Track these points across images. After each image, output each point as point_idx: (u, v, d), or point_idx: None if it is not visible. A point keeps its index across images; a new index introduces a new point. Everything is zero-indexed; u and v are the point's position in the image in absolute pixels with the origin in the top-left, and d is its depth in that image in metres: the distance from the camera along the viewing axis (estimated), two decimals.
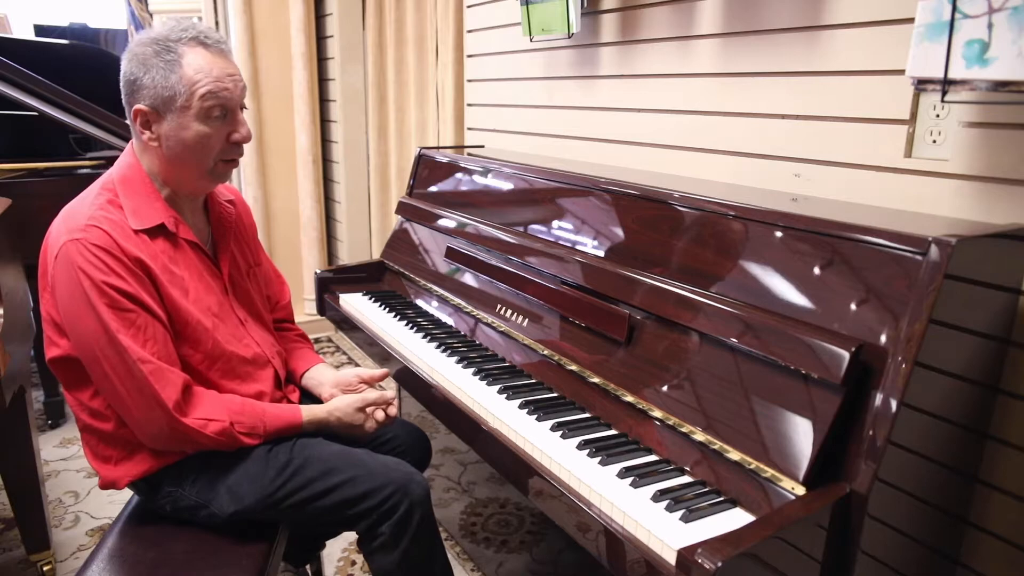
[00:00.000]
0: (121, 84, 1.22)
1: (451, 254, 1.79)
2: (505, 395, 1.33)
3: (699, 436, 1.07)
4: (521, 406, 1.29)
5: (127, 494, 1.38)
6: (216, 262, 1.37)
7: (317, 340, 3.97)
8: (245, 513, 1.27)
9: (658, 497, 0.99)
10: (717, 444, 1.04)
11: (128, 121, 1.26)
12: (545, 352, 1.41)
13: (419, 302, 1.87)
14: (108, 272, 1.15)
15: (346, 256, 3.95)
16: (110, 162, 2.83)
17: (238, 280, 1.42)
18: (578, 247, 1.48)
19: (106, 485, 1.29)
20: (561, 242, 1.53)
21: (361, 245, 3.92)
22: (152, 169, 1.27)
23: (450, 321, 1.73)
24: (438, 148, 2.21)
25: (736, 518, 0.96)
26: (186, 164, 1.25)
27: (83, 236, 1.15)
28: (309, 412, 1.35)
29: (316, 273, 2.03)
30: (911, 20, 1.09)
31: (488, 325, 1.60)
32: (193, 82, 1.19)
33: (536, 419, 1.24)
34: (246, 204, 1.54)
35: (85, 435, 1.31)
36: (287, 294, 1.64)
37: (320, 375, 1.52)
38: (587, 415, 1.26)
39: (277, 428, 1.30)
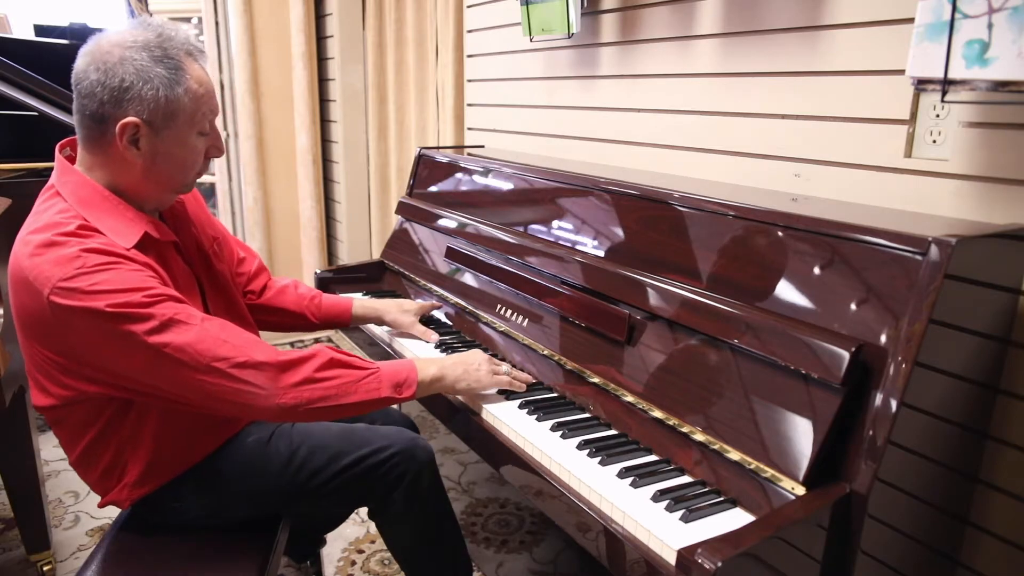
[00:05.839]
0: (95, 92, 1.08)
1: (451, 254, 1.79)
2: (505, 395, 1.33)
3: (699, 436, 1.07)
4: (521, 406, 1.29)
5: None
6: (186, 258, 1.29)
7: (317, 340, 3.97)
8: (258, 511, 1.28)
9: (658, 497, 0.99)
10: (717, 444, 1.04)
11: (82, 131, 1.12)
12: (545, 352, 1.41)
13: (425, 302, 1.87)
14: (121, 293, 1.03)
15: (346, 256, 3.95)
16: None
17: (211, 271, 1.35)
18: (578, 247, 1.48)
19: (106, 504, 1.26)
20: (561, 242, 1.52)
21: (361, 245, 3.92)
22: (113, 184, 1.15)
23: (450, 321, 1.73)
24: (438, 148, 2.21)
25: (736, 518, 0.96)
26: (169, 179, 1.17)
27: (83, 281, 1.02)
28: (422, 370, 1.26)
29: (316, 273, 2.03)
30: (911, 20, 1.08)
31: (488, 325, 1.60)
32: (198, 96, 1.13)
33: (536, 419, 1.24)
34: None
35: (78, 469, 1.24)
36: (254, 260, 1.59)
37: (373, 301, 1.68)
38: (587, 415, 1.26)
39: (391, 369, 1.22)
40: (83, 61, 1.10)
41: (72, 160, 1.19)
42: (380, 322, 1.69)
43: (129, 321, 1.03)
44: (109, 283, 1.03)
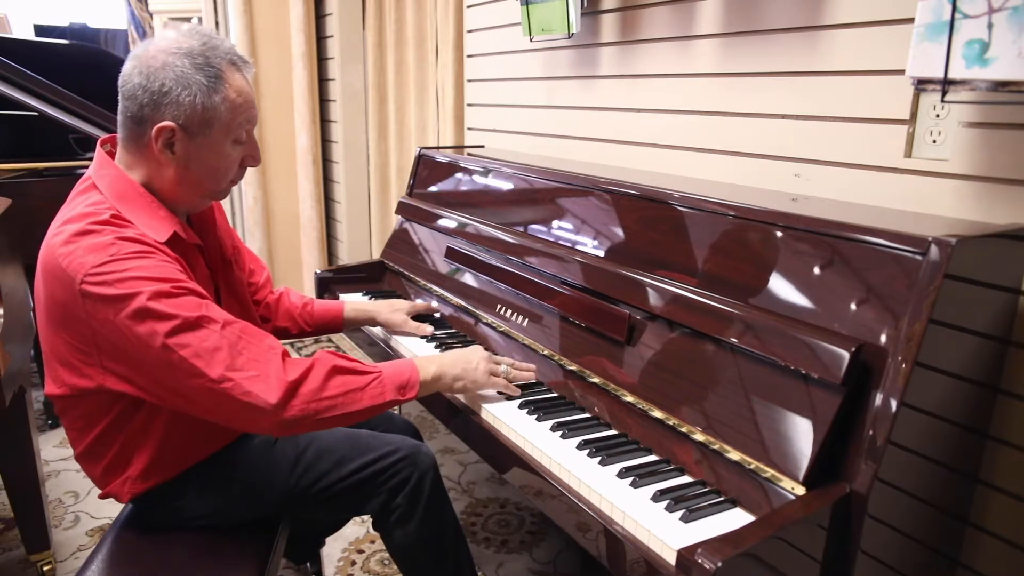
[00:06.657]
0: (136, 94, 1.11)
1: (451, 254, 1.79)
2: (504, 394, 1.33)
3: (699, 436, 1.07)
4: (521, 406, 1.29)
5: None
6: (208, 263, 1.31)
7: (316, 341, 3.97)
8: (260, 513, 1.28)
9: (658, 497, 0.99)
10: (717, 444, 1.04)
11: (123, 131, 1.16)
12: (545, 352, 1.41)
13: (419, 302, 1.87)
14: (152, 282, 1.04)
15: (346, 256, 3.95)
16: None
17: (229, 277, 1.37)
18: (578, 247, 1.48)
19: (106, 496, 1.27)
20: (561, 242, 1.52)
21: (361, 245, 3.92)
22: (148, 184, 1.18)
23: (449, 321, 1.73)
24: (438, 148, 2.21)
25: (736, 518, 0.96)
26: (201, 185, 1.19)
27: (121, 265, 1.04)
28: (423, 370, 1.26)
29: (316, 273, 2.03)
30: (911, 20, 1.09)
31: (488, 325, 1.60)
32: (236, 105, 1.15)
33: (536, 419, 1.24)
34: None
35: (83, 462, 1.24)
36: (262, 273, 1.62)
37: (364, 304, 1.69)
38: (587, 415, 1.26)
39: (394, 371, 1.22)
40: (130, 64, 1.13)
41: (112, 156, 1.22)
42: (373, 323, 1.69)
43: (153, 317, 1.03)
44: (142, 270, 1.05)
